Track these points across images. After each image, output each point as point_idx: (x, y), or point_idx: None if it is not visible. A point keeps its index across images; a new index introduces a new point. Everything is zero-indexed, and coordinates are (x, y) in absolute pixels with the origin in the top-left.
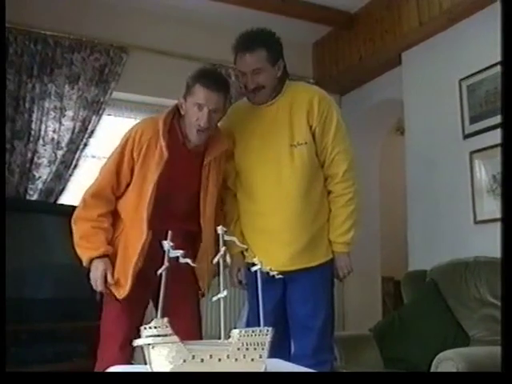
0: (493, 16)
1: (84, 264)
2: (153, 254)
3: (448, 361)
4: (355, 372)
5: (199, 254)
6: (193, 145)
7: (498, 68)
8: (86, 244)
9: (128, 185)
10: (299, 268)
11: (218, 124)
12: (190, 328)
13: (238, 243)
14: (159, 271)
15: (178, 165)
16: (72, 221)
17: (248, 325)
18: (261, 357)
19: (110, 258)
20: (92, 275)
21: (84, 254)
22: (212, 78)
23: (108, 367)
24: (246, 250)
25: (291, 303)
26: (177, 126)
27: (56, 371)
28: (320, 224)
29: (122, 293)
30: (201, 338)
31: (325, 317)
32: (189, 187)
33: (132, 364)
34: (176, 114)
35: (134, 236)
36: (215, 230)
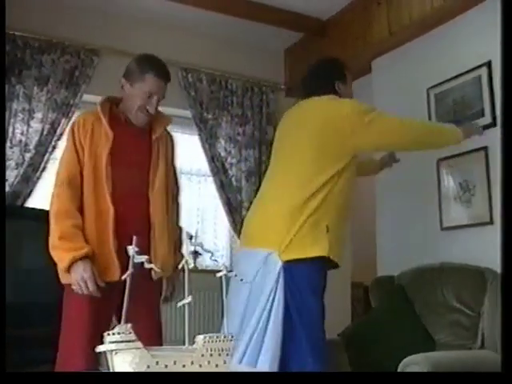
0: (461, 25)
1: (63, 265)
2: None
3: (414, 365)
4: (331, 372)
5: (155, 242)
6: (136, 125)
7: (466, 77)
8: (68, 244)
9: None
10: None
11: None
12: (151, 332)
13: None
14: (123, 276)
15: (127, 143)
16: (51, 216)
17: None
18: (225, 362)
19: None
20: (79, 277)
21: (65, 256)
22: (163, 68)
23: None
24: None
25: None
26: (115, 108)
27: (56, 371)
28: None
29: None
30: (161, 343)
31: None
32: (141, 164)
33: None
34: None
35: (102, 221)
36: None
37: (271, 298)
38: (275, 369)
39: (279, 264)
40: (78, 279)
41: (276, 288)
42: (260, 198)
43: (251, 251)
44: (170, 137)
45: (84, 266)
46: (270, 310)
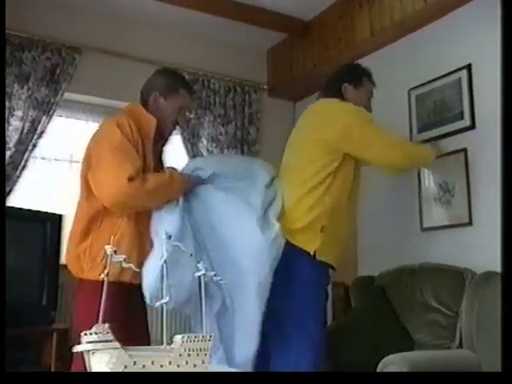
0: (443, 27)
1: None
2: None
3: (392, 365)
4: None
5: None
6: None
7: (448, 79)
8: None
9: None
10: None
11: None
12: (142, 333)
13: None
14: (102, 276)
15: (152, 151)
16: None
17: None
18: (203, 362)
19: None
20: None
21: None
22: (189, 83)
23: None
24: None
25: None
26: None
27: (56, 371)
28: None
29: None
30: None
31: None
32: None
33: None
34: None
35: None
36: None
37: None
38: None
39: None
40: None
41: None
42: None
43: None
44: None
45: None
46: None
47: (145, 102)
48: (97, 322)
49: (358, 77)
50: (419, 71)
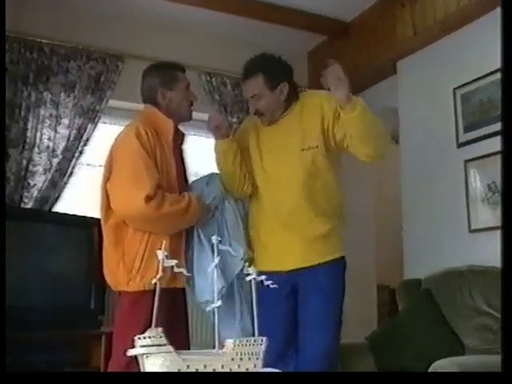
0: (487, 25)
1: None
2: None
3: (443, 370)
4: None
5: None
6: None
7: (492, 77)
8: (180, 201)
9: None
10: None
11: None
12: (181, 336)
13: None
14: (154, 280)
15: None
16: (159, 215)
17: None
18: (255, 366)
19: None
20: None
21: (194, 206)
22: (176, 63)
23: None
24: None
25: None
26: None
27: (55, 371)
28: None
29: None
30: (188, 346)
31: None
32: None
33: None
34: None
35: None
36: None
37: None
38: None
39: None
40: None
41: None
42: None
43: None
44: None
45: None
46: None
47: (154, 102)
48: (149, 326)
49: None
50: (464, 69)
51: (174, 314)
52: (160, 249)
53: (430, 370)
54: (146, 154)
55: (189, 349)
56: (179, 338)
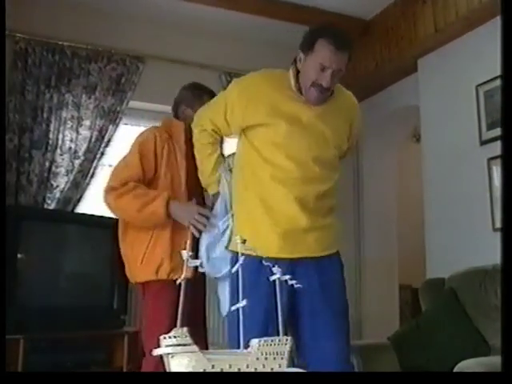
0: None
1: (162, 213)
2: None
3: (468, 370)
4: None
5: None
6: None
7: None
8: (148, 198)
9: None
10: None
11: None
12: (201, 335)
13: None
14: (178, 280)
15: (184, 152)
16: (110, 199)
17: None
18: (280, 366)
19: None
20: (184, 212)
21: (156, 205)
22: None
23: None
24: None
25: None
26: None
27: (55, 371)
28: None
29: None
30: (206, 346)
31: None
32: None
33: None
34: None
35: None
36: None
37: None
38: None
39: None
40: (184, 215)
41: None
42: None
43: None
44: None
45: (182, 203)
46: None
47: (176, 115)
48: (175, 326)
49: (310, 41)
50: (486, 66)
51: (195, 301)
52: (185, 248)
53: (455, 371)
54: (141, 152)
55: (207, 344)
56: (198, 333)
